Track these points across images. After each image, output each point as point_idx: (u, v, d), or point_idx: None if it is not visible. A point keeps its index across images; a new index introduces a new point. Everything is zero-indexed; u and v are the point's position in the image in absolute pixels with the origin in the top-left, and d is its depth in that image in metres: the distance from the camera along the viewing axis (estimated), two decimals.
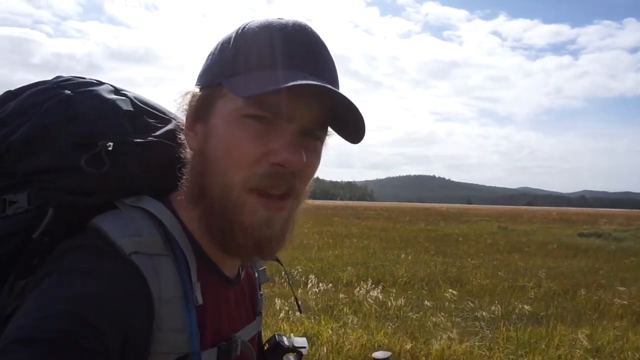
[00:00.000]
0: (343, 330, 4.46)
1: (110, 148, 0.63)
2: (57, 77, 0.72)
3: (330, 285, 7.46)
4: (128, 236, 0.58)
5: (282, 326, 4.43)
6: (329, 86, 0.57)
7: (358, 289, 6.84)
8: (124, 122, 0.68)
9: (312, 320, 4.91)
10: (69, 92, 0.68)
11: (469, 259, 10.94)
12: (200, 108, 0.63)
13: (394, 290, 7.05)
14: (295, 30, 0.61)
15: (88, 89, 0.70)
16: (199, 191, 0.62)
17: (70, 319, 0.48)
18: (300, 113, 0.59)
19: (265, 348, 0.82)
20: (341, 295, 6.57)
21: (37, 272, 0.58)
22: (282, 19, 0.63)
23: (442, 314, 5.73)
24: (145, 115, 0.72)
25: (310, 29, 0.63)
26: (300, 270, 8.80)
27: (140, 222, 0.61)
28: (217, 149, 0.61)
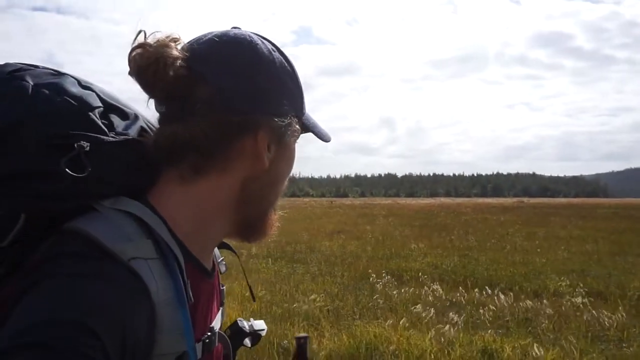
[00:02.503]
0: (532, 348, 3.78)
1: (87, 149, 0.60)
2: (6, 64, 0.65)
3: (533, 294, 6.52)
4: (123, 242, 0.57)
5: (460, 336, 4.02)
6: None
7: (567, 300, 5.77)
8: (95, 119, 0.64)
9: (495, 333, 4.32)
10: (30, 83, 0.62)
11: None
12: (278, 133, 0.68)
13: (620, 307, 5.70)
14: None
15: (50, 81, 0.64)
16: (256, 200, 0.70)
17: (74, 326, 0.47)
18: None
19: (228, 333, 0.82)
20: (543, 307, 5.65)
21: (8, 281, 0.57)
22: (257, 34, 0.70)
23: None
24: (112, 110, 0.68)
25: None
26: (498, 274, 7.98)
27: (127, 225, 0.60)
28: (285, 169, 0.72)
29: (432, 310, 5.19)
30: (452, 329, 4.08)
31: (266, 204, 0.72)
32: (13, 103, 0.60)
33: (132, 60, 0.62)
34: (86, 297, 0.50)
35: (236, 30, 0.69)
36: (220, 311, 0.78)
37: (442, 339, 4.04)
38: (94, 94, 0.67)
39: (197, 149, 0.64)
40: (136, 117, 0.71)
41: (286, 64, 0.69)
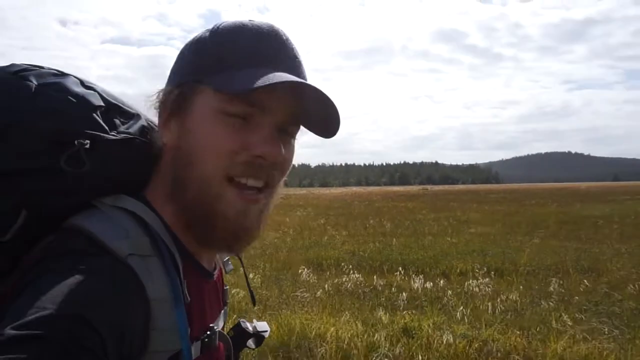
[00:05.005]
0: (447, 324, 4.19)
1: (87, 146, 0.61)
2: (11, 65, 0.66)
3: (442, 274, 7.11)
4: (121, 239, 0.58)
5: (382, 317, 4.32)
6: (311, 83, 0.62)
7: (471, 279, 6.40)
8: (97, 118, 0.65)
9: (413, 312, 4.70)
10: (34, 83, 0.63)
11: (610, 245, 9.55)
12: (175, 105, 0.65)
13: (514, 281, 6.45)
14: (269, 32, 0.65)
15: (54, 80, 0.65)
16: (176, 185, 0.65)
17: (73, 320, 0.47)
18: (277, 108, 0.63)
19: (231, 334, 0.82)
20: (452, 286, 6.22)
21: (10, 276, 0.58)
22: (254, 20, 0.66)
23: (569, 307, 5.07)
24: (114, 110, 0.69)
25: (282, 30, 0.66)
26: (410, 257, 8.56)
27: (126, 223, 0.61)
28: (196, 143, 0.63)
29: (354, 296, 5.48)
30: (375, 312, 4.34)
31: (194, 192, 0.63)
32: (16, 102, 0.61)
33: None
34: (84, 292, 0.51)
35: None
36: (223, 311, 0.79)
37: (367, 322, 4.29)
38: (96, 93, 0.68)
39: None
40: (138, 116, 0.72)
41: (209, 34, 0.65)
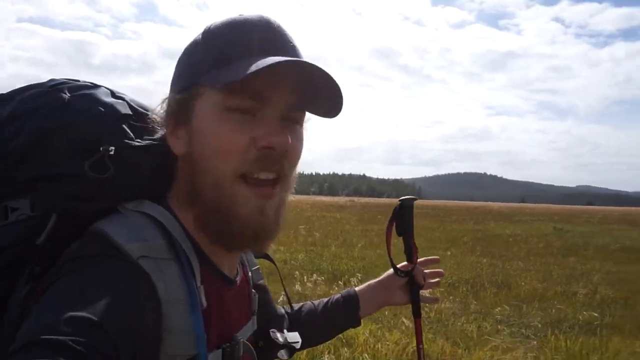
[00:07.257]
0: (381, 332, 4.39)
1: (112, 152, 0.64)
2: (51, 80, 0.71)
3: None
4: (135, 241, 0.59)
5: None
6: (304, 60, 0.60)
7: None
8: (123, 126, 0.68)
9: None
10: (67, 95, 0.67)
11: (519, 262, 10.47)
12: (180, 112, 0.65)
13: (437, 293, 6.88)
14: (259, 21, 0.64)
15: (85, 92, 0.69)
16: (193, 192, 0.65)
17: (85, 324, 0.48)
18: (278, 97, 0.63)
19: (260, 345, 0.82)
20: None
21: (43, 278, 0.59)
22: (243, 14, 0.66)
23: (487, 319, 5.52)
24: (142, 118, 0.72)
25: (273, 19, 0.65)
26: (341, 268, 8.79)
27: (144, 227, 0.62)
28: (204, 147, 0.63)
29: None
30: None
31: (209, 197, 0.64)
32: (49, 112, 0.66)
33: None
34: (96, 295, 0.52)
35: None
36: (251, 321, 0.78)
37: None
38: (124, 102, 0.71)
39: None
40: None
41: (201, 36, 0.66)
